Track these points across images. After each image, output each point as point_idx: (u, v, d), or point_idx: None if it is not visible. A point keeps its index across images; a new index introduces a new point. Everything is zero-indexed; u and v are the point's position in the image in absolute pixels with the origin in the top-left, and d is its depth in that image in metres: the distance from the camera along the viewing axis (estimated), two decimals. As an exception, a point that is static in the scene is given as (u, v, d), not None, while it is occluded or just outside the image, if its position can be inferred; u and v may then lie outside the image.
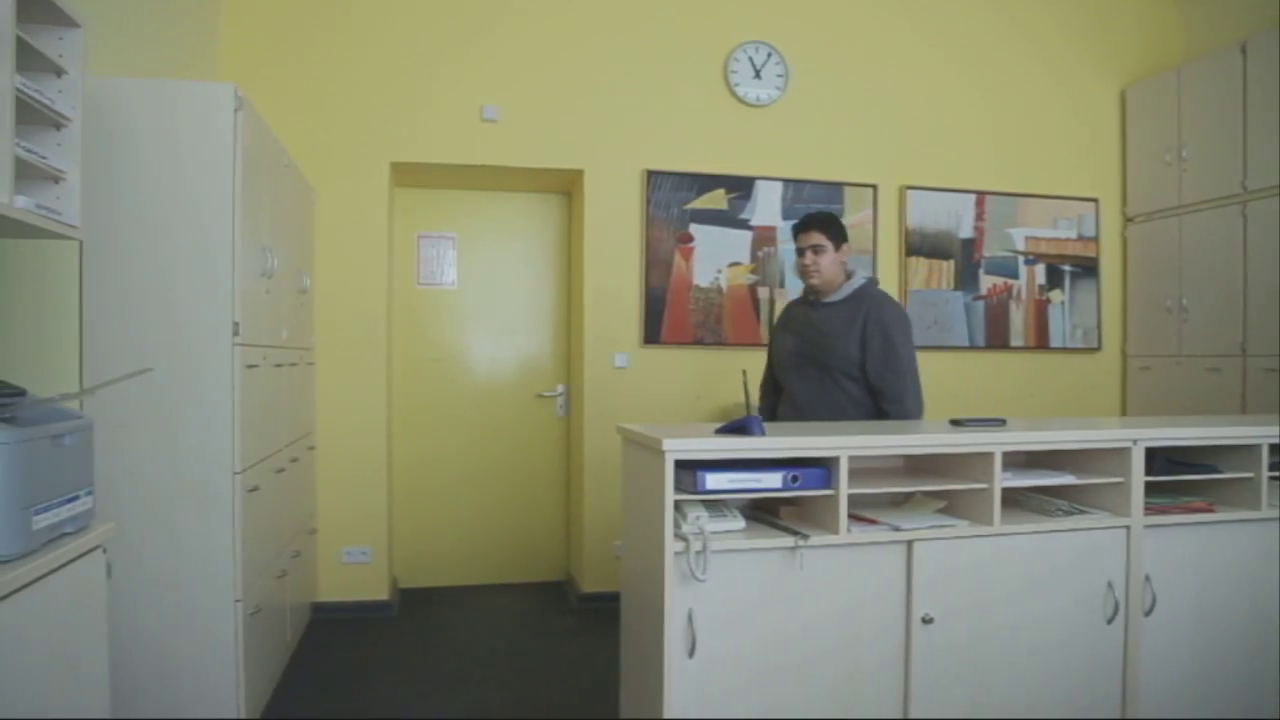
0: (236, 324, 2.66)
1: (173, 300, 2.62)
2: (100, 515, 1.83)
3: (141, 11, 3.11)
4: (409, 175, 4.54)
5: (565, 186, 4.82)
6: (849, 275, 3.06)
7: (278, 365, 3.23)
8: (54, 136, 1.87)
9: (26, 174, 1.72)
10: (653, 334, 4.48)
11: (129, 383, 2.32)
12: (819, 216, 3.05)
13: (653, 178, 4.46)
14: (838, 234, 3.02)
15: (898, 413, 2.87)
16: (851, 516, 2.18)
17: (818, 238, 3.00)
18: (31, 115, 1.73)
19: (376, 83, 4.26)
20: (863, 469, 2.37)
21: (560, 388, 4.91)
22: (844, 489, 2.13)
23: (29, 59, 1.70)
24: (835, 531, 2.14)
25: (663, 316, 4.48)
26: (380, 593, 4.31)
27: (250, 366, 2.80)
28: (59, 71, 1.85)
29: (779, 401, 3.20)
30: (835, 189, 4.68)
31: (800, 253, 3.04)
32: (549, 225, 4.92)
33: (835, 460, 2.14)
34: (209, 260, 2.64)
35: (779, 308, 4.57)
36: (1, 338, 2.26)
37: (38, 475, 1.55)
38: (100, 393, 2.36)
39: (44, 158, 1.78)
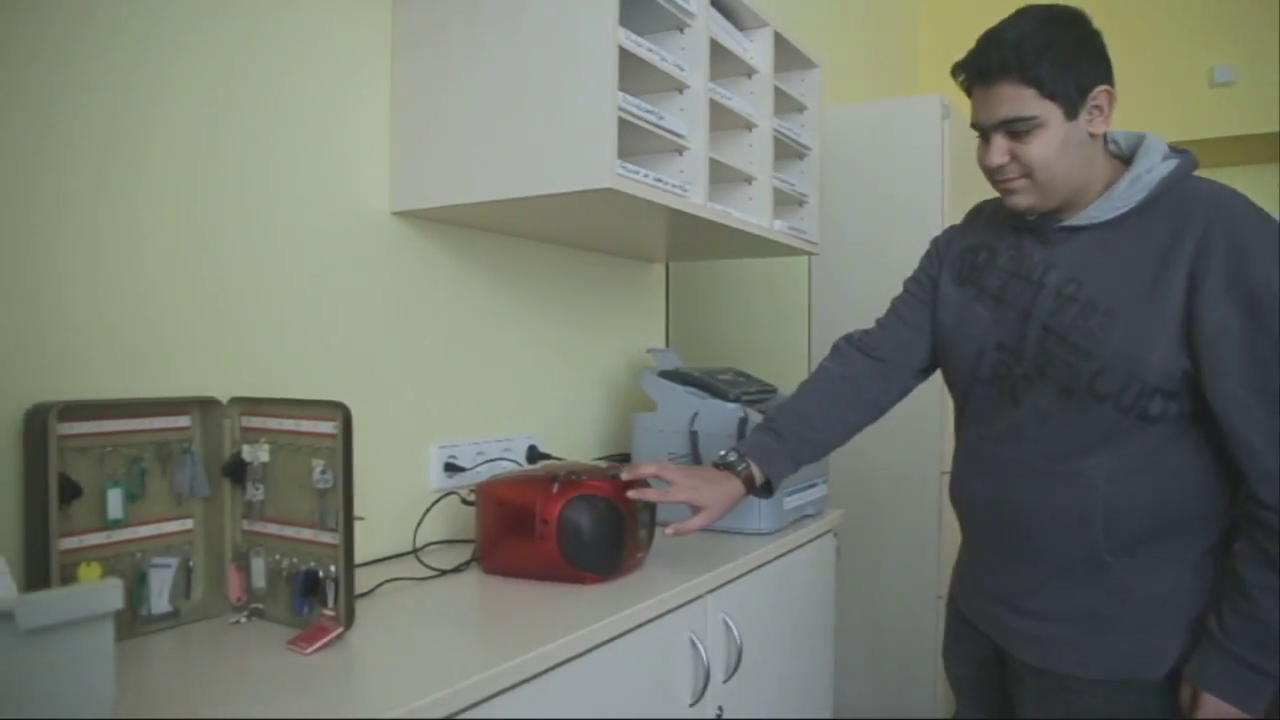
0: (946, 328, 2.73)
1: (886, 305, 2.80)
2: (830, 503, 2.04)
3: (854, 43, 3.40)
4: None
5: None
6: (1121, 158, 1.32)
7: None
8: (798, 165, 2.13)
9: (779, 200, 1.99)
10: None
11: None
12: (1010, 41, 1.23)
13: None
14: (1068, 76, 1.22)
15: (1271, 495, 1.14)
16: None
17: (1012, 99, 1.22)
18: (782, 149, 2.00)
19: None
20: None
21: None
22: None
23: (782, 103, 1.97)
24: None
25: None
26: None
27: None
28: (801, 108, 2.10)
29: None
30: None
31: (985, 136, 1.29)
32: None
33: None
34: (920, 265, 2.75)
35: None
36: (748, 341, 2.66)
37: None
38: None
39: (792, 185, 2.04)
